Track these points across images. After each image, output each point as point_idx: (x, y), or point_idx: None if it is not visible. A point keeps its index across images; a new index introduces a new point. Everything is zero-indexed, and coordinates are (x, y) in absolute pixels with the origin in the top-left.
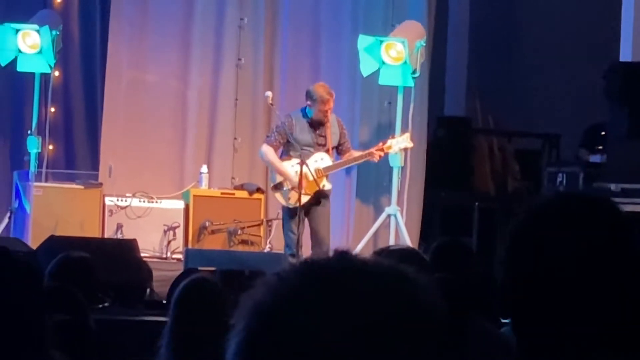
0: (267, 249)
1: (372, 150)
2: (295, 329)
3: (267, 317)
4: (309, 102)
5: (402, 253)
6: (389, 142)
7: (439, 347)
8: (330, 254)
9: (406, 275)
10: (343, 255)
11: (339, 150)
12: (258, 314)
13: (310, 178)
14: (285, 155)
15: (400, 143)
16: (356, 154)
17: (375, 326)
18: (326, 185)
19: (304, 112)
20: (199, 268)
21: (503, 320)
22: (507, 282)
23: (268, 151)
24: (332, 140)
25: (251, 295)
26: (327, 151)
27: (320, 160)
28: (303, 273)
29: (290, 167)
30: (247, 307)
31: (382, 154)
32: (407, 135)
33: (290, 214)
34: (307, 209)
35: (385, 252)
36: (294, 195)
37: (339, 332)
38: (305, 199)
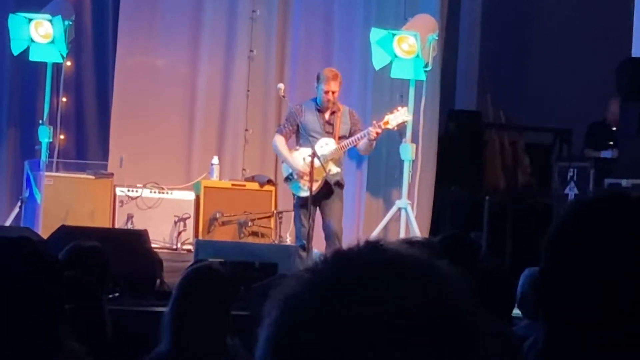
0: (277, 241)
1: (369, 128)
2: (328, 322)
3: (299, 311)
4: (316, 85)
5: (422, 245)
6: (386, 117)
7: (470, 343)
8: (360, 243)
9: (438, 269)
10: (375, 247)
11: None
12: (290, 307)
13: (317, 165)
14: (296, 144)
15: (397, 117)
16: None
17: (410, 319)
18: (332, 169)
19: (314, 100)
20: (209, 259)
21: (514, 316)
22: (546, 280)
23: (278, 140)
24: (341, 130)
25: (282, 289)
26: (333, 138)
27: (326, 145)
28: (335, 265)
29: (301, 157)
30: (278, 301)
31: (379, 130)
32: (405, 109)
33: (301, 204)
34: (320, 201)
35: (404, 244)
36: (303, 185)
37: (373, 324)
38: (315, 185)
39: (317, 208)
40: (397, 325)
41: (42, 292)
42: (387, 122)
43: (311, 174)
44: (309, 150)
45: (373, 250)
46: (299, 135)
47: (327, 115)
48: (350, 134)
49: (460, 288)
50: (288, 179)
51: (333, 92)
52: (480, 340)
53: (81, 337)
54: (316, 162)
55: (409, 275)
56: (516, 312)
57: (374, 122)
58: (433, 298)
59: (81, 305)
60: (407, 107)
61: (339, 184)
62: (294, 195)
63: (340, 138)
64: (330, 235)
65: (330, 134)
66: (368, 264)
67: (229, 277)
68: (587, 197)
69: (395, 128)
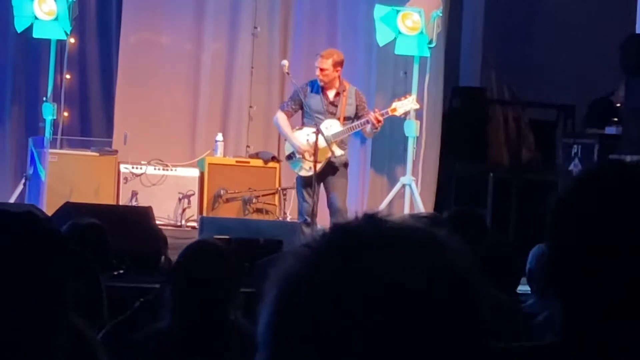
0: (282, 218)
1: (370, 115)
2: (327, 298)
3: (298, 287)
4: None
5: (429, 220)
6: (394, 104)
7: (473, 313)
8: (359, 216)
9: (439, 239)
10: (372, 219)
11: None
12: (289, 284)
13: (321, 145)
14: (300, 124)
15: (405, 105)
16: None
17: (411, 292)
18: (337, 151)
19: (316, 81)
20: (214, 236)
21: (519, 292)
22: (554, 254)
23: (280, 117)
24: (346, 111)
25: (281, 266)
26: (338, 119)
27: (330, 127)
28: (333, 240)
29: (304, 135)
30: (277, 278)
31: (380, 118)
32: (413, 97)
33: (303, 182)
34: (324, 178)
35: (412, 219)
36: (306, 164)
37: (373, 299)
38: (318, 166)
39: (322, 184)
40: (398, 298)
41: (47, 266)
42: (394, 110)
43: (315, 152)
44: (312, 130)
45: (372, 223)
46: (303, 114)
47: (331, 96)
48: (356, 115)
49: (463, 258)
50: (290, 157)
51: (322, 70)
52: (484, 310)
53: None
54: (321, 142)
55: (409, 247)
56: (524, 288)
57: (376, 109)
58: (435, 269)
59: (80, 282)
60: (414, 96)
61: (344, 164)
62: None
63: (346, 119)
64: (335, 212)
65: (333, 114)
66: (367, 237)
67: (230, 253)
68: (587, 170)
69: (402, 115)
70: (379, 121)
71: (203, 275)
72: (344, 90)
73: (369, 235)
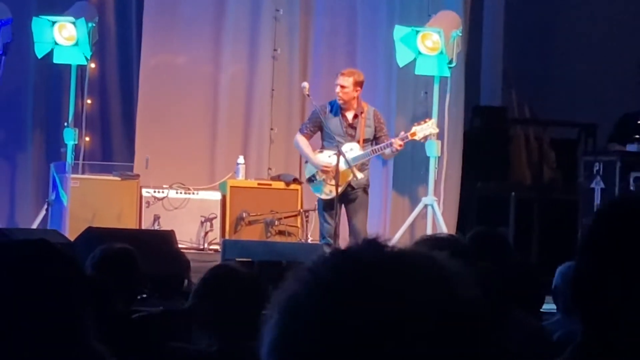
0: (304, 240)
1: (392, 140)
2: (328, 322)
3: (299, 311)
4: None
5: (445, 241)
6: (414, 128)
7: (477, 338)
8: (360, 242)
9: (440, 264)
10: (374, 245)
11: (376, 143)
12: (290, 308)
13: (344, 167)
14: (321, 146)
15: (425, 129)
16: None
17: (410, 318)
18: (357, 174)
19: (335, 102)
20: (237, 259)
21: (543, 311)
22: (581, 275)
23: (300, 139)
24: (365, 133)
25: (283, 289)
26: (357, 142)
27: (350, 150)
28: (334, 264)
29: (326, 157)
30: (279, 301)
31: (401, 142)
32: (433, 121)
33: (324, 204)
34: (344, 201)
35: (430, 240)
36: (327, 187)
37: (372, 324)
38: (338, 189)
39: (343, 206)
40: (398, 323)
41: (64, 292)
42: (414, 134)
43: (337, 174)
44: (333, 152)
45: (372, 248)
46: (323, 136)
47: (350, 118)
48: (375, 137)
49: (463, 281)
50: (310, 180)
51: (342, 87)
52: (488, 334)
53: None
54: (342, 165)
55: (409, 272)
56: (549, 306)
57: (402, 133)
58: (435, 294)
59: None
60: (434, 120)
61: (364, 190)
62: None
63: (365, 141)
64: (355, 235)
65: (352, 137)
66: (367, 263)
67: (251, 276)
68: (618, 197)
69: (422, 140)
70: (400, 146)
71: (221, 299)
72: (362, 112)
73: (369, 259)
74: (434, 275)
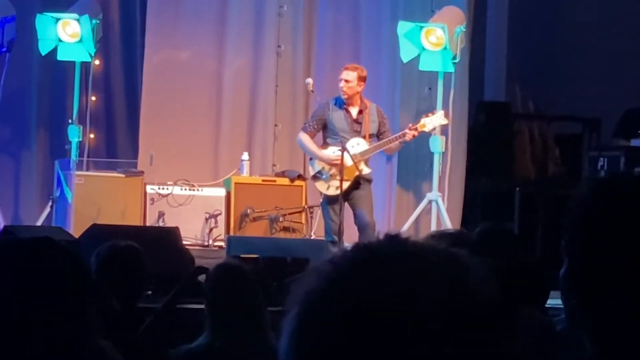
0: (308, 236)
1: (405, 130)
2: (347, 315)
3: (319, 304)
4: None
5: (453, 237)
6: (423, 120)
7: (492, 333)
8: (381, 237)
9: (460, 260)
10: (395, 239)
11: (379, 139)
12: (310, 301)
13: (349, 163)
14: (323, 143)
15: (434, 121)
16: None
17: (429, 311)
18: (364, 169)
19: (339, 98)
20: (241, 255)
21: (548, 306)
22: (574, 264)
23: (304, 137)
24: (370, 128)
25: (303, 282)
26: (363, 137)
27: (357, 145)
28: (354, 258)
29: (331, 151)
30: (299, 295)
31: (415, 133)
32: (441, 112)
33: (329, 201)
34: (348, 195)
35: (438, 236)
36: (333, 183)
37: (392, 317)
38: (345, 184)
39: (346, 202)
40: (417, 317)
41: (67, 291)
42: (423, 125)
43: (341, 170)
44: (338, 148)
45: (393, 242)
46: (327, 133)
47: (354, 114)
48: (378, 132)
49: (482, 278)
50: (316, 176)
51: (347, 82)
52: (504, 330)
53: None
54: (348, 162)
55: (429, 267)
56: (554, 302)
57: (410, 125)
58: (454, 289)
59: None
60: (442, 111)
61: (369, 180)
62: (320, 192)
63: (371, 136)
64: (364, 227)
65: (358, 132)
66: (388, 257)
67: (253, 273)
68: (597, 184)
69: (432, 131)
70: (413, 136)
71: (228, 297)
72: (365, 108)
73: (391, 253)
74: (453, 271)
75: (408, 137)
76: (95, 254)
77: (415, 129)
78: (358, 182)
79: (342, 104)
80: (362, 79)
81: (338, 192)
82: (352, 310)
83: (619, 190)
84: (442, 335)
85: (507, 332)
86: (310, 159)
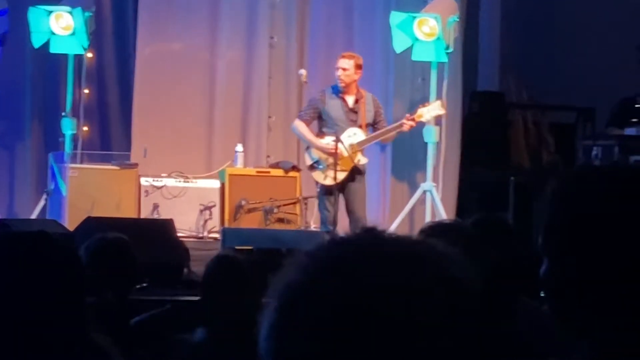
0: (303, 227)
1: (403, 120)
2: (325, 307)
3: (298, 298)
4: None
5: (450, 227)
6: (419, 110)
7: (471, 321)
8: (358, 231)
9: (436, 250)
10: (371, 232)
11: (374, 128)
12: (288, 293)
13: (345, 154)
14: (319, 133)
15: (431, 111)
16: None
17: (407, 302)
18: (361, 159)
19: (335, 86)
20: (236, 247)
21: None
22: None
23: (299, 125)
24: (366, 118)
25: (281, 275)
26: (359, 127)
27: (354, 135)
28: (331, 251)
29: (328, 140)
30: (277, 288)
31: (412, 123)
32: (439, 102)
33: (325, 191)
34: (343, 187)
35: (435, 227)
36: (330, 173)
37: (372, 307)
38: (341, 175)
39: (341, 194)
40: (397, 305)
41: (62, 284)
42: (420, 115)
43: (335, 160)
44: (334, 138)
45: (370, 236)
46: (322, 123)
47: (350, 102)
48: (374, 122)
49: (462, 267)
50: (313, 166)
51: (343, 69)
52: (484, 320)
53: (106, 329)
54: (345, 153)
55: (407, 256)
56: None
57: (407, 115)
58: (433, 277)
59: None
60: (439, 101)
61: (361, 172)
62: (317, 182)
63: (367, 126)
64: (355, 220)
65: (354, 122)
66: (366, 248)
67: (251, 265)
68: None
69: (429, 121)
70: (411, 126)
71: (226, 289)
72: (361, 97)
73: (368, 245)
74: (432, 263)
75: (405, 127)
76: (85, 247)
77: (413, 119)
78: (354, 174)
79: (338, 92)
80: (358, 66)
81: (335, 182)
82: (331, 304)
83: (591, 185)
84: (418, 327)
85: (502, 322)
86: (307, 148)
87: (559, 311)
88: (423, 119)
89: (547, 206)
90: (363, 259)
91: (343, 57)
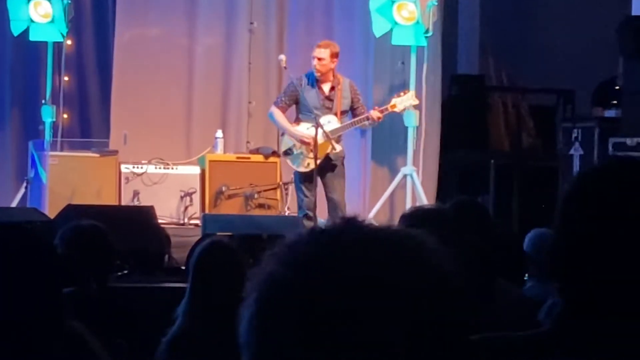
0: (283, 212)
1: (370, 111)
2: (305, 299)
3: (277, 289)
4: None
5: (431, 212)
6: (393, 100)
7: (452, 311)
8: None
9: (416, 241)
10: (351, 222)
11: (353, 114)
12: (269, 286)
13: (321, 141)
14: (296, 119)
15: (405, 101)
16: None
17: (386, 292)
18: (336, 147)
19: (311, 75)
20: (217, 233)
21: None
22: (559, 245)
23: (275, 112)
24: (342, 105)
25: (261, 266)
26: (335, 114)
27: (328, 123)
28: (310, 242)
29: (304, 129)
30: (257, 279)
31: (380, 115)
32: (412, 93)
33: (301, 177)
34: (322, 173)
35: (416, 213)
36: (306, 160)
37: (353, 297)
38: (317, 162)
39: (320, 179)
40: (378, 295)
41: (36, 275)
42: (394, 106)
43: (315, 147)
44: (310, 124)
45: (349, 226)
46: (299, 109)
47: (326, 90)
48: (352, 108)
49: (441, 255)
50: (287, 153)
51: (319, 59)
52: (465, 308)
53: (83, 318)
54: (321, 137)
55: (387, 246)
56: None
57: (375, 107)
58: (413, 265)
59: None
60: (413, 92)
61: (342, 162)
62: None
63: (342, 113)
64: (334, 207)
65: (329, 109)
66: (345, 238)
67: (240, 251)
68: (596, 163)
69: (402, 112)
70: (379, 118)
71: (217, 275)
72: (338, 84)
73: (347, 236)
74: (411, 253)
75: (374, 119)
76: (60, 236)
77: (382, 111)
78: (331, 162)
79: (314, 80)
80: (334, 55)
81: (308, 169)
82: (310, 295)
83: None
84: (399, 318)
85: (470, 310)
86: (282, 134)
87: (562, 286)
88: (397, 110)
89: (571, 189)
90: (343, 252)
91: (319, 46)
